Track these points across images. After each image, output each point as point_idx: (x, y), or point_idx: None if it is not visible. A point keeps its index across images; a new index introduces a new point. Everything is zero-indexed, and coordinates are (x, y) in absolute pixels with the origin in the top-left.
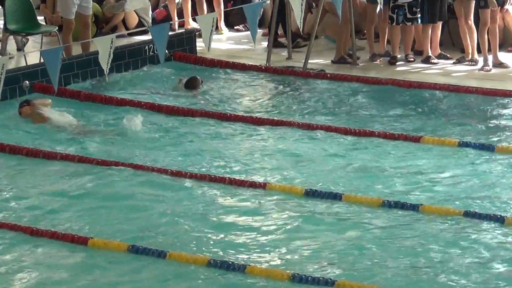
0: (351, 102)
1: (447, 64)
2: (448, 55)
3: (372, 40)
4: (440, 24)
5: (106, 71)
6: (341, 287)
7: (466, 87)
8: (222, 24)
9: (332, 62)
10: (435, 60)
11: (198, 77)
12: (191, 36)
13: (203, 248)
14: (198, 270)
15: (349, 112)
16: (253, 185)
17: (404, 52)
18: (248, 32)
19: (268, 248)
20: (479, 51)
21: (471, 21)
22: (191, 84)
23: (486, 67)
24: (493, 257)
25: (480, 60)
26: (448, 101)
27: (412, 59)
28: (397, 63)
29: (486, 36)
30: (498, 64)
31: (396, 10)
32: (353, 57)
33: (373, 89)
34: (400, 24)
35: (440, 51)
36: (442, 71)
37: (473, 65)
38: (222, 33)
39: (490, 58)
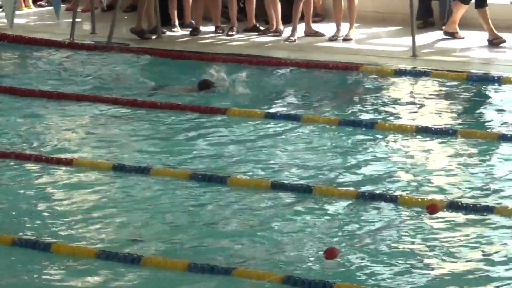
0: (153, 75)
1: (252, 36)
2: (261, 27)
3: (175, 10)
4: None
5: None
6: (147, 264)
7: (270, 58)
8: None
9: (131, 30)
10: (232, 32)
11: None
12: None
13: (8, 227)
14: (2, 250)
15: (150, 86)
16: (60, 161)
17: (214, 24)
18: (51, 7)
19: (75, 225)
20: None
21: None
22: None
23: (292, 38)
24: (302, 227)
25: (287, 30)
26: (253, 73)
27: (220, 31)
28: (203, 35)
29: (301, 7)
30: (313, 33)
31: None
32: (157, 31)
33: (175, 63)
34: None
35: (254, 23)
36: (247, 43)
37: (278, 35)
38: (23, 10)
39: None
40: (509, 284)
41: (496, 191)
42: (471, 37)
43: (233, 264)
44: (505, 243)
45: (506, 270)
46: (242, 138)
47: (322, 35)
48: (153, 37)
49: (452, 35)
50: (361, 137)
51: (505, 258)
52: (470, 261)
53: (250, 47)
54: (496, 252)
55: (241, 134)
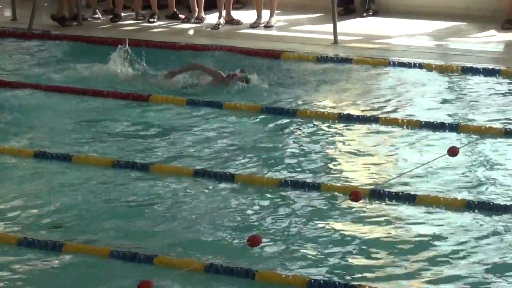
0: (71, 61)
1: (173, 23)
2: (181, 15)
3: None
4: None
5: None
6: (69, 250)
7: (192, 45)
8: None
9: (51, 17)
10: (153, 19)
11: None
12: None
13: None
14: None
15: (70, 71)
16: None
17: (135, 11)
18: None
19: None
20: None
21: None
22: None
23: (218, 24)
24: (226, 215)
25: (210, 18)
26: (175, 59)
27: (142, 18)
28: (124, 22)
29: None
30: (230, 21)
31: None
32: (78, 17)
33: (96, 48)
34: None
35: (175, 10)
36: (169, 30)
37: (199, 22)
38: None
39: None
40: (430, 269)
41: (418, 179)
42: (391, 25)
43: (155, 251)
44: (427, 231)
45: (427, 256)
46: (164, 125)
47: (240, 23)
48: (74, 23)
49: None
50: (283, 124)
51: (427, 245)
52: (391, 248)
53: (171, 34)
54: (418, 240)
55: (163, 121)
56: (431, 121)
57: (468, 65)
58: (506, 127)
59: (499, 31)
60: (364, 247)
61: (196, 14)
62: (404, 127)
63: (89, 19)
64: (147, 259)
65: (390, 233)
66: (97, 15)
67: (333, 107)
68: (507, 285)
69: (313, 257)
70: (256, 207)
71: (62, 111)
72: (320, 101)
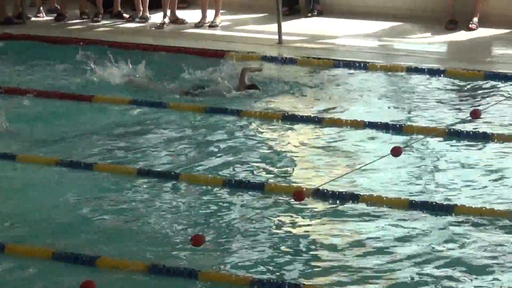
0: (21, 62)
1: (118, 22)
2: (125, 14)
3: None
4: None
5: None
6: (11, 252)
7: (137, 44)
8: None
9: None
10: (98, 18)
11: None
12: None
13: None
14: None
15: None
16: None
17: (79, 10)
18: None
19: None
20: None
21: None
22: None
23: (162, 24)
24: (169, 214)
25: (155, 17)
26: (120, 59)
27: (86, 17)
28: (69, 21)
29: None
30: (175, 20)
31: None
32: (22, 16)
33: (43, 47)
34: None
35: (119, 9)
36: (113, 29)
37: (143, 22)
38: None
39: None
40: (372, 268)
41: (362, 179)
42: (336, 25)
43: (98, 253)
44: (370, 231)
45: (369, 255)
46: (107, 124)
47: (184, 22)
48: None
49: None
50: (228, 124)
51: (370, 244)
52: (335, 247)
53: (116, 33)
54: (361, 239)
55: (107, 121)
56: (375, 121)
57: (413, 65)
58: (450, 127)
59: (443, 32)
60: (307, 246)
61: (141, 13)
62: (348, 127)
63: (33, 18)
64: (90, 261)
65: (333, 232)
66: (41, 14)
67: (277, 107)
68: (447, 284)
69: (257, 257)
70: (200, 207)
71: (6, 111)
72: (264, 101)
